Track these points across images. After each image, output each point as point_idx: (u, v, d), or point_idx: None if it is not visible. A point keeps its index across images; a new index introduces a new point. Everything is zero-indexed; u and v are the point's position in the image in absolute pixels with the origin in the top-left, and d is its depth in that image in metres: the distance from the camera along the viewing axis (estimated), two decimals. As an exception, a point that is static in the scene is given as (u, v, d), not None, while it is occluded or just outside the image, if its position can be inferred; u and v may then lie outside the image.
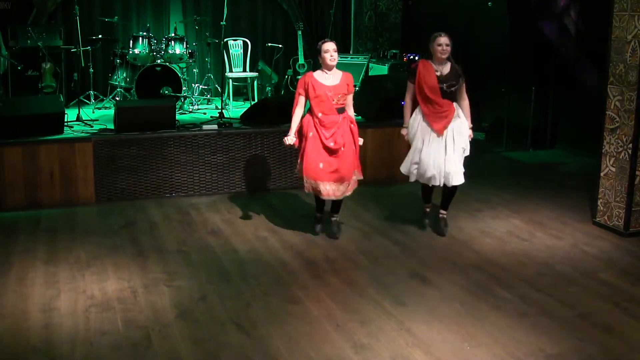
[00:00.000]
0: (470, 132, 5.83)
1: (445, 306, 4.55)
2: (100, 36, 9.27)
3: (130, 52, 8.96)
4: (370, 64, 9.94)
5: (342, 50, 10.75)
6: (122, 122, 7.02)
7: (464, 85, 5.78)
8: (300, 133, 5.60)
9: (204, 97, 9.53)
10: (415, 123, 5.81)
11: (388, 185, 7.57)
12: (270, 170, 7.37)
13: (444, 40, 5.66)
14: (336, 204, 5.84)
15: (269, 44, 10.15)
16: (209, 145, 7.19)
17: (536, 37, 9.45)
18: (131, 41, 9.01)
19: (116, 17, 9.39)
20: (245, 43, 9.80)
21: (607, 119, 5.98)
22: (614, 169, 5.97)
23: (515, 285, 4.91)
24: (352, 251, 5.56)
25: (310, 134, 5.51)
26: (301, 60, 10.03)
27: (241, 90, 10.27)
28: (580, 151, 9.07)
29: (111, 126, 7.33)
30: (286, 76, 10.19)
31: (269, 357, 3.89)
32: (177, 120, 7.50)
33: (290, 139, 5.53)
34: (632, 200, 5.86)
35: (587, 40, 8.80)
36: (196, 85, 9.49)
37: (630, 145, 5.77)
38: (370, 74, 9.76)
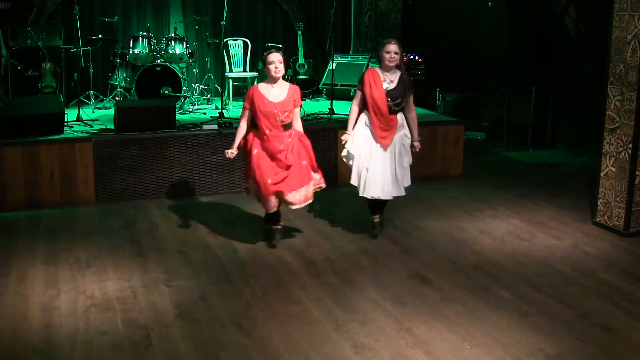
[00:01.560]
0: (417, 144, 5.70)
1: (445, 306, 4.55)
2: (100, 36, 9.26)
3: (130, 52, 8.95)
4: (370, 64, 9.93)
5: (342, 50, 10.81)
6: (122, 122, 7.02)
7: (412, 97, 5.64)
8: (245, 149, 5.43)
9: (204, 97, 9.52)
10: (359, 131, 5.61)
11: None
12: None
13: (392, 47, 5.46)
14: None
15: (269, 44, 10.13)
16: (209, 145, 7.19)
17: (536, 37, 9.45)
18: (131, 41, 9.01)
19: (116, 17, 9.38)
20: (245, 43, 9.80)
21: (607, 119, 5.98)
22: (614, 169, 5.97)
23: (515, 285, 4.91)
24: (352, 251, 5.56)
25: (255, 151, 5.32)
26: (301, 60, 10.04)
27: (241, 90, 10.25)
28: (580, 151, 9.07)
29: (111, 126, 7.33)
30: (286, 76, 10.18)
31: (269, 357, 3.89)
32: (177, 120, 7.50)
33: (231, 152, 5.38)
34: (632, 200, 5.86)
35: (587, 40, 8.80)
36: (196, 85, 9.48)
37: (630, 145, 5.77)
38: (370, 74, 9.75)
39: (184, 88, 8.89)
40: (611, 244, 5.78)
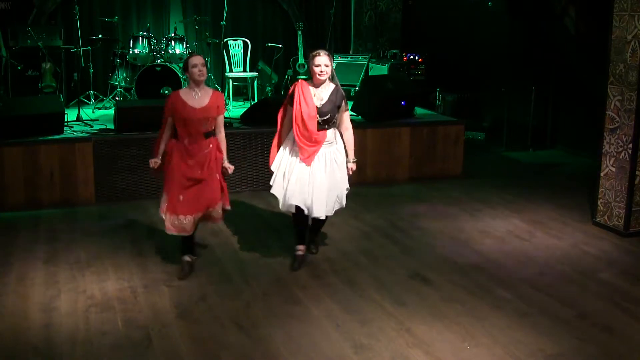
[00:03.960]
0: (352, 165, 5.13)
1: (445, 306, 4.55)
2: (100, 36, 9.27)
3: (130, 52, 8.96)
4: (370, 64, 9.94)
5: (342, 50, 10.81)
6: (122, 122, 7.02)
7: (346, 112, 5.09)
8: (164, 157, 4.96)
9: (204, 97, 9.52)
10: (289, 144, 5.10)
11: (388, 185, 7.57)
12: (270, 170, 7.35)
13: (322, 60, 4.89)
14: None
15: (269, 44, 10.15)
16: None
17: (536, 37, 9.45)
18: (131, 41, 9.01)
19: (116, 17, 9.38)
20: (245, 43, 9.80)
21: (607, 119, 5.98)
22: (614, 169, 5.97)
23: (515, 285, 4.91)
24: (352, 251, 5.56)
25: (174, 160, 4.86)
26: (301, 60, 10.04)
27: (241, 90, 10.27)
28: (580, 151, 9.07)
29: (111, 126, 7.33)
30: (286, 76, 10.19)
31: (269, 357, 3.89)
32: (177, 120, 7.49)
33: (154, 162, 4.92)
34: (632, 200, 5.86)
35: (587, 40, 8.80)
36: (196, 85, 9.47)
37: (630, 145, 5.76)
38: (370, 74, 9.76)
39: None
40: (611, 244, 5.78)
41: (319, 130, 4.95)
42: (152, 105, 7.36)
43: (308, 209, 4.99)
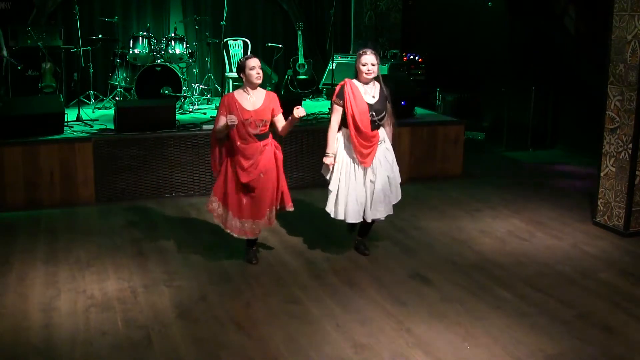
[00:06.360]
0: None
1: (445, 306, 4.55)
2: (100, 36, 9.26)
3: (130, 52, 8.96)
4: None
5: (342, 50, 10.81)
6: (122, 122, 7.02)
7: (391, 109, 5.20)
8: (219, 160, 5.08)
9: (204, 97, 9.52)
10: (340, 154, 5.13)
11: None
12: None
13: (369, 59, 4.94)
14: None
15: (269, 44, 10.15)
16: (209, 145, 7.17)
17: (536, 37, 9.45)
18: (131, 41, 9.01)
19: (116, 17, 9.38)
20: (245, 43, 9.80)
21: (607, 119, 5.98)
22: (614, 169, 5.97)
23: (515, 285, 4.91)
24: (352, 251, 5.56)
25: (231, 164, 4.97)
26: (301, 60, 10.04)
27: (241, 90, 10.26)
28: (580, 151, 9.07)
29: (111, 126, 7.33)
30: (286, 76, 10.19)
31: (269, 357, 3.89)
32: (177, 120, 7.50)
33: (217, 172, 5.08)
34: (632, 200, 5.86)
35: (587, 40, 8.80)
36: (196, 85, 9.48)
37: (630, 145, 5.77)
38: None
39: (184, 88, 8.89)
40: (611, 244, 5.78)
41: (372, 130, 5.03)
42: (152, 105, 7.38)
43: (365, 217, 5.19)
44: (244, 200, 5.01)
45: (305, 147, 7.34)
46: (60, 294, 4.69)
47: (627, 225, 5.90)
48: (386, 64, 9.87)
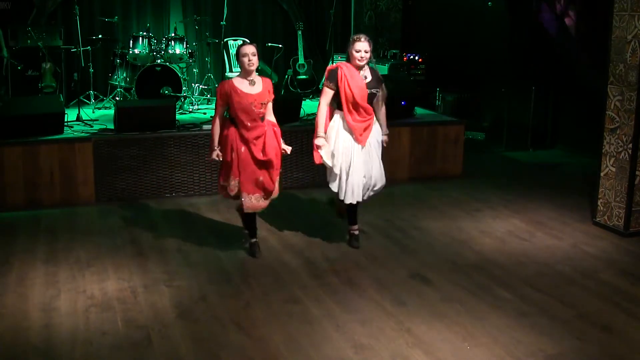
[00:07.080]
0: (385, 137, 5.46)
1: (445, 306, 4.55)
2: (100, 36, 9.26)
3: (130, 52, 8.95)
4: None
5: (342, 50, 10.80)
6: (122, 122, 7.02)
7: (384, 91, 5.35)
8: (224, 146, 5.19)
9: (204, 97, 9.52)
10: (333, 133, 5.25)
11: (388, 185, 7.53)
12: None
13: (363, 46, 5.04)
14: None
15: (269, 44, 10.14)
16: (209, 145, 7.17)
17: (536, 37, 9.45)
18: (131, 41, 9.00)
19: (116, 17, 9.37)
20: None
21: (607, 119, 5.98)
22: (614, 169, 5.97)
23: (515, 285, 4.91)
24: (352, 251, 5.56)
25: (243, 148, 5.10)
26: (301, 60, 10.03)
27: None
28: (580, 151, 9.07)
29: (111, 126, 7.33)
30: (286, 76, 10.19)
31: (269, 357, 3.89)
32: (177, 120, 7.50)
33: (216, 154, 5.19)
34: (632, 200, 5.86)
35: (587, 40, 8.80)
36: (196, 85, 9.48)
37: (630, 145, 5.77)
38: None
39: (184, 88, 8.89)
40: (611, 244, 5.78)
41: (369, 104, 5.18)
42: (152, 105, 7.38)
43: (369, 189, 5.37)
44: (259, 175, 5.16)
45: (305, 147, 7.33)
46: (60, 294, 4.69)
47: (627, 225, 5.90)
48: (386, 64, 9.87)
